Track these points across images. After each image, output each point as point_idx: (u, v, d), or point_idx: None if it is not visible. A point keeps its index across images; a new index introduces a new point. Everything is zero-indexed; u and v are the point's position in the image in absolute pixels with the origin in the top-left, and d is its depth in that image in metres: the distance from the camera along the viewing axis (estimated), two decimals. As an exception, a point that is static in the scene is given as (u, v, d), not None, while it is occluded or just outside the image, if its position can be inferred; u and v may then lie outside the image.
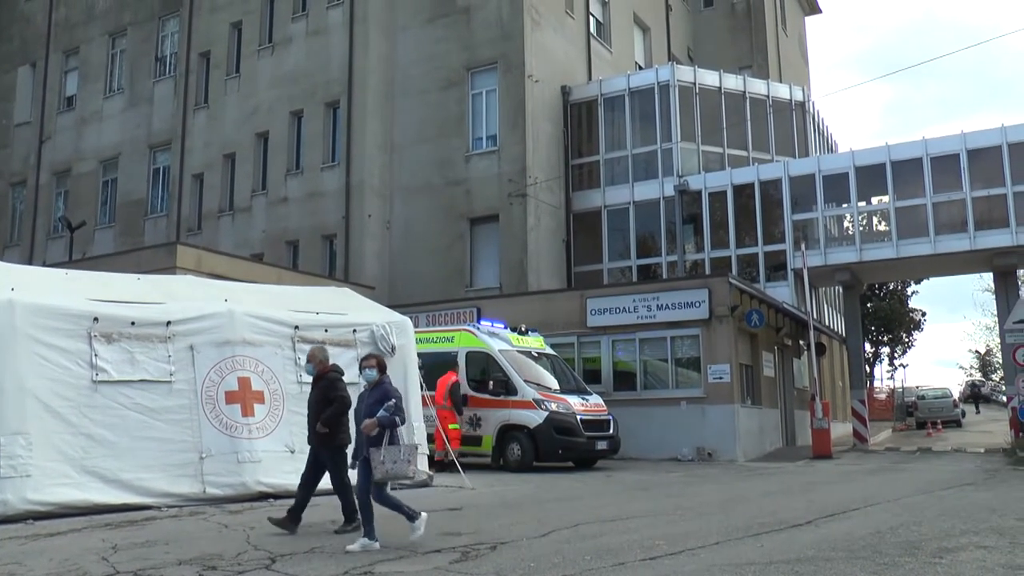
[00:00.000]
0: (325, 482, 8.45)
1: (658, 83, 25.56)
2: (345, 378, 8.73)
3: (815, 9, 42.19)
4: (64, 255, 27.71)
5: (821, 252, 23.37)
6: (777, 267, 24.10)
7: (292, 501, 8.42)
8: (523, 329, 17.67)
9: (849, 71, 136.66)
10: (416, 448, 8.02)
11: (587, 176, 26.11)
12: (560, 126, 25.91)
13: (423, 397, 13.10)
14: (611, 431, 16.63)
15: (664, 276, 23.91)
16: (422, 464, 12.41)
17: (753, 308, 20.07)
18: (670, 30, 33.00)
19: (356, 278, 23.31)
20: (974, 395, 52.28)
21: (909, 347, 51.64)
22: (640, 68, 29.70)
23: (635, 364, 19.93)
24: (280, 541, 7.65)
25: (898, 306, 46.95)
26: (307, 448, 8.67)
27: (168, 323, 10.59)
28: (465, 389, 16.25)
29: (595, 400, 16.95)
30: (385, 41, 26.10)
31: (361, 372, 7.87)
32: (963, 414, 39.13)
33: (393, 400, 7.45)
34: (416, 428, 12.24)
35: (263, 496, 10.47)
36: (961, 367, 76.71)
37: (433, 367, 15.41)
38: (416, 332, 13.79)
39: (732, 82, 26.51)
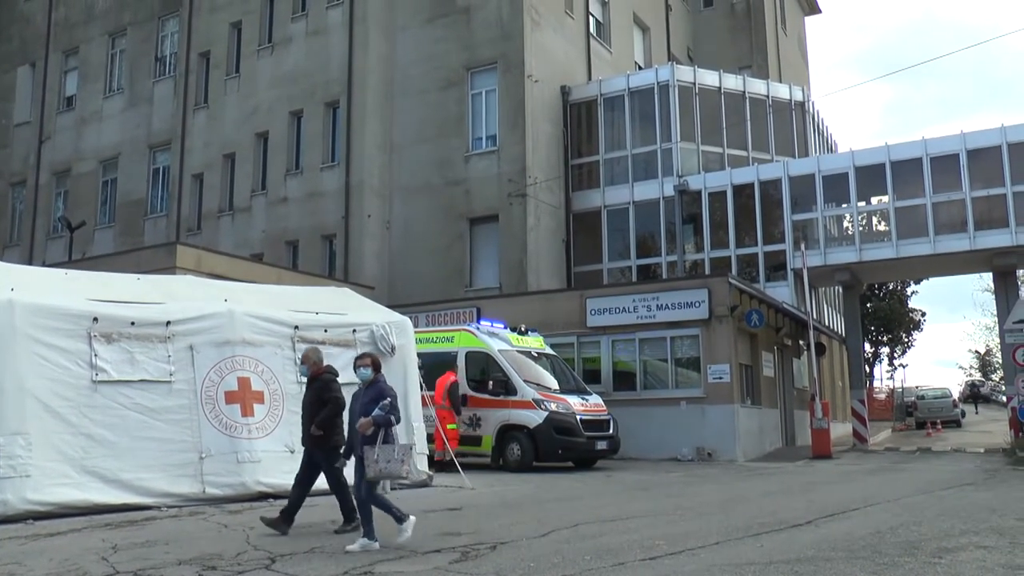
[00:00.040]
0: (324, 482, 8.45)
1: (658, 83, 25.56)
2: (342, 378, 8.72)
3: (815, 9, 42.20)
4: (64, 255, 27.70)
5: (821, 252, 23.37)
6: (777, 267, 24.10)
7: (290, 501, 8.42)
8: (523, 329, 17.67)
9: (849, 71, 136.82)
10: (411, 448, 8.01)
11: (587, 176, 26.10)
12: (560, 126, 25.90)
13: (423, 397, 13.10)
14: (611, 431, 16.64)
15: (664, 276, 23.90)
16: (422, 464, 12.43)
17: (753, 308, 20.07)
18: (670, 30, 32.99)
19: (356, 278, 23.30)
20: (974, 395, 52.32)
21: (909, 347, 51.67)
22: (640, 68, 29.68)
23: (635, 364, 19.93)
24: (280, 541, 7.65)
25: (898, 306, 46.93)
26: (305, 448, 8.66)
27: (168, 323, 10.59)
28: (465, 389, 16.26)
29: (595, 400, 16.95)
30: (385, 41, 26.09)
31: (356, 371, 7.86)
32: (963, 414, 39.14)
33: (388, 399, 7.44)
34: (416, 428, 12.25)
35: (263, 496, 10.47)
36: (961, 367, 76.75)
37: (433, 367, 15.42)
38: (416, 332, 13.79)
39: (732, 82, 26.50)
